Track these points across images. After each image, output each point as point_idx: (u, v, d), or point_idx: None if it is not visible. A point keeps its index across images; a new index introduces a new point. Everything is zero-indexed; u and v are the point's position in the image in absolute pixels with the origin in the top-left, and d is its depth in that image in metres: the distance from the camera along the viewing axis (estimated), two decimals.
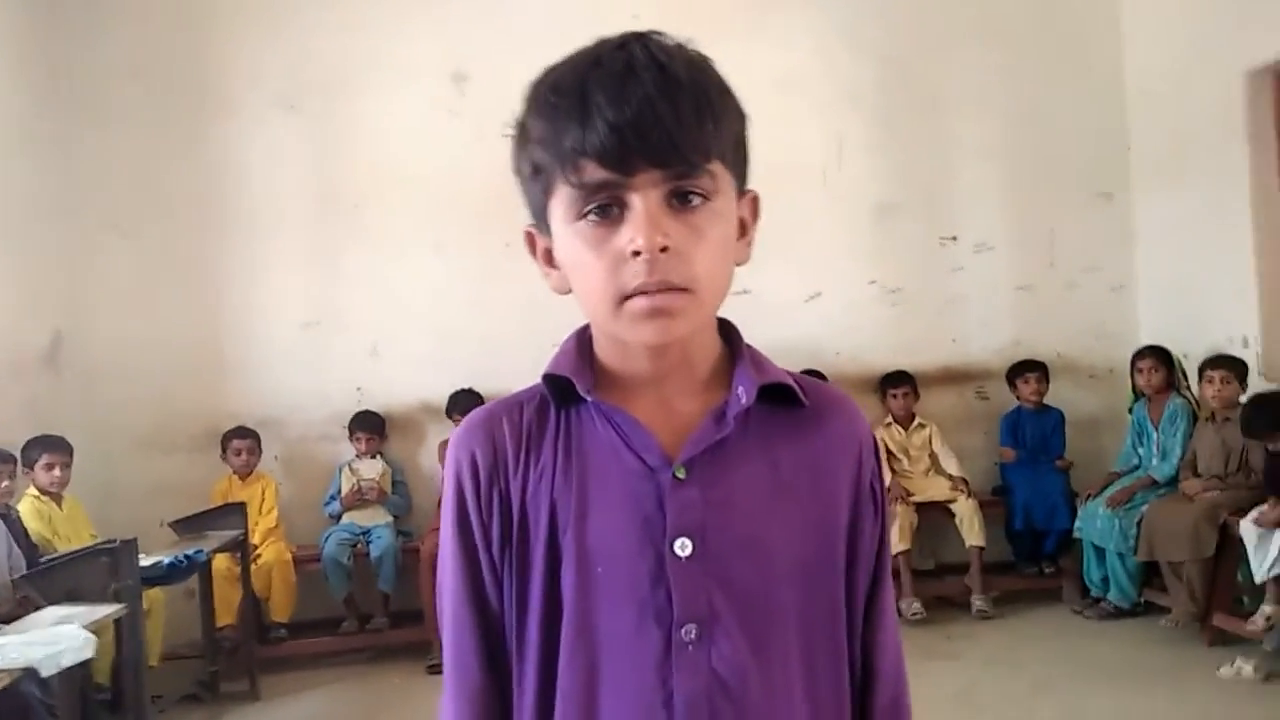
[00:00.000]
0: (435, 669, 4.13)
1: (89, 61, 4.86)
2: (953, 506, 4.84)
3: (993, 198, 5.35)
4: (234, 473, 4.73)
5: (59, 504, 4.09)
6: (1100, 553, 4.56)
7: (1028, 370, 5.09)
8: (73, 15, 4.84)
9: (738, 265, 0.86)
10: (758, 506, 0.84)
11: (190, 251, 4.95)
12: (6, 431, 4.04)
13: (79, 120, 4.83)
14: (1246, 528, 3.85)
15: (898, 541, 4.65)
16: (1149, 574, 4.43)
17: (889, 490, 4.83)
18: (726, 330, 0.90)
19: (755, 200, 0.88)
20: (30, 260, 4.54)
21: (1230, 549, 4.01)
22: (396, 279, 5.03)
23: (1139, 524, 4.31)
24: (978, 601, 4.68)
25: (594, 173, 0.77)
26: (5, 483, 3.74)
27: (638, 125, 0.75)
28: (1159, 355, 4.69)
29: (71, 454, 4.13)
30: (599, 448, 0.84)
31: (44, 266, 4.65)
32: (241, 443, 4.72)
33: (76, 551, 3.36)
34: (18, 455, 3.93)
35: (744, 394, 0.85)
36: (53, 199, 4.72)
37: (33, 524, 3.87)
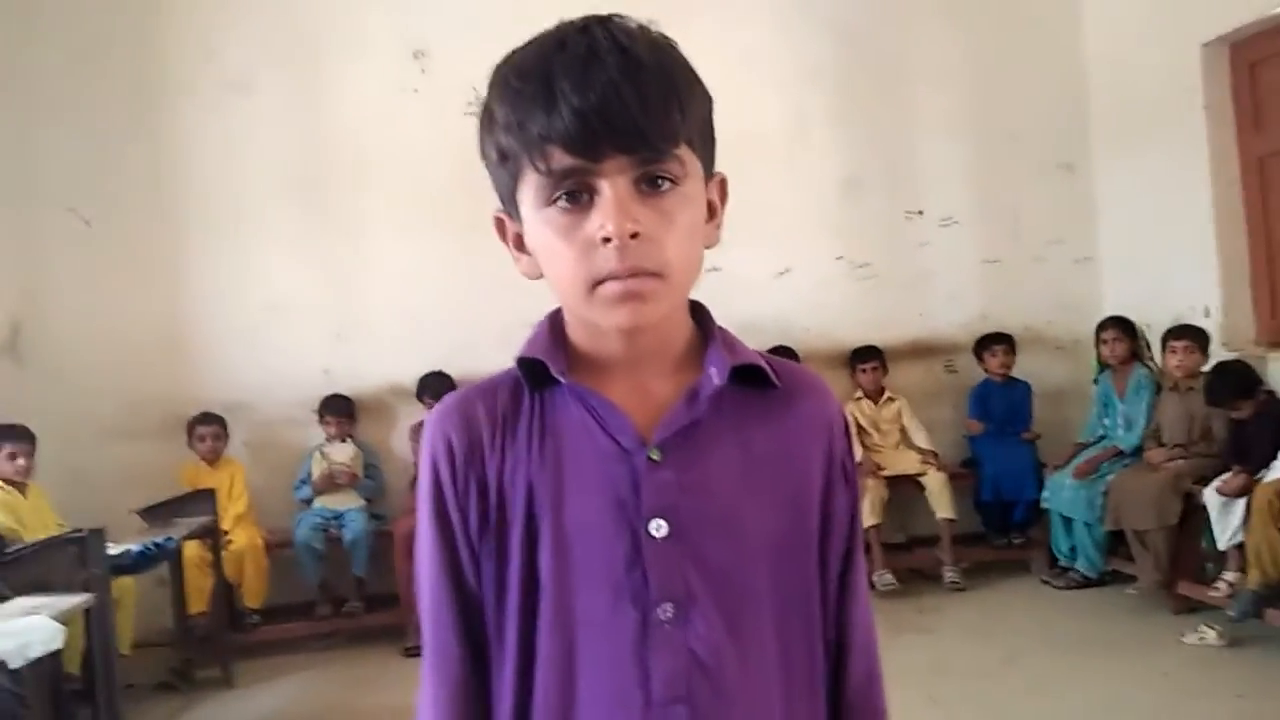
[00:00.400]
0: (412, 652, 4.13)
1: (38, 45, 4.74)
2: (923, 480, 4.89)
3: (957, 171, 5.38)
4: (201, 459, 4.68)
5: (23, 493, 4.03)
6: (1068, 523, 4.63)
7: (995, 343, 5.15)
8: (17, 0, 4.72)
9: (708, 247, 0.87)
10: (731, 486, 0.85)
11: (150, 236, 4.87)
12: None
13: (30, 106, 4.72)
14: (1210, 496, 3.93)
15: (869, 515, 4.70)
16: (1116, 543, 4.51)
17: (860, 465, 4.88)
18: (698, 312, 0.91)
19: (723, 182, 0.89)
20: None
21: (1194, 517, 4.09)
22: (361, 260, 4.98)
23: (1105, 494, 4.38)
24: (949, 573, 4.74)
25: (561, 159, 0.77)
26: None
27: (603, 111, 0.75)
28: (1122, 326, 4.76)
29: (34, 442, 4.08)
30: (574, 430, 0.85)
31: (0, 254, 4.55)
32: (207, 429, 4.67)
33: (44, 541, 3.31)
34: None
35: (716, 375, 0.85)
36: (5, 187, 4.62)
37: None
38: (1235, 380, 4.03)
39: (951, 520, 4.82)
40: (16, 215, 4.66)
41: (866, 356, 5.12)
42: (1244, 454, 3.90)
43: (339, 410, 4.82)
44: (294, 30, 4.93)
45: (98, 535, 3.15)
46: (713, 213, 0.87)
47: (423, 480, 0.89)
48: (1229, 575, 3.91)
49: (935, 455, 4.97)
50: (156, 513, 4.05)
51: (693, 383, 0.86)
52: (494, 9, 4.53)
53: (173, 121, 4.88)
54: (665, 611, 0.81)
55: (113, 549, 3.37)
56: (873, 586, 4.55)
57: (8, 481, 3.97)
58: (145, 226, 4.86)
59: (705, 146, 0.84)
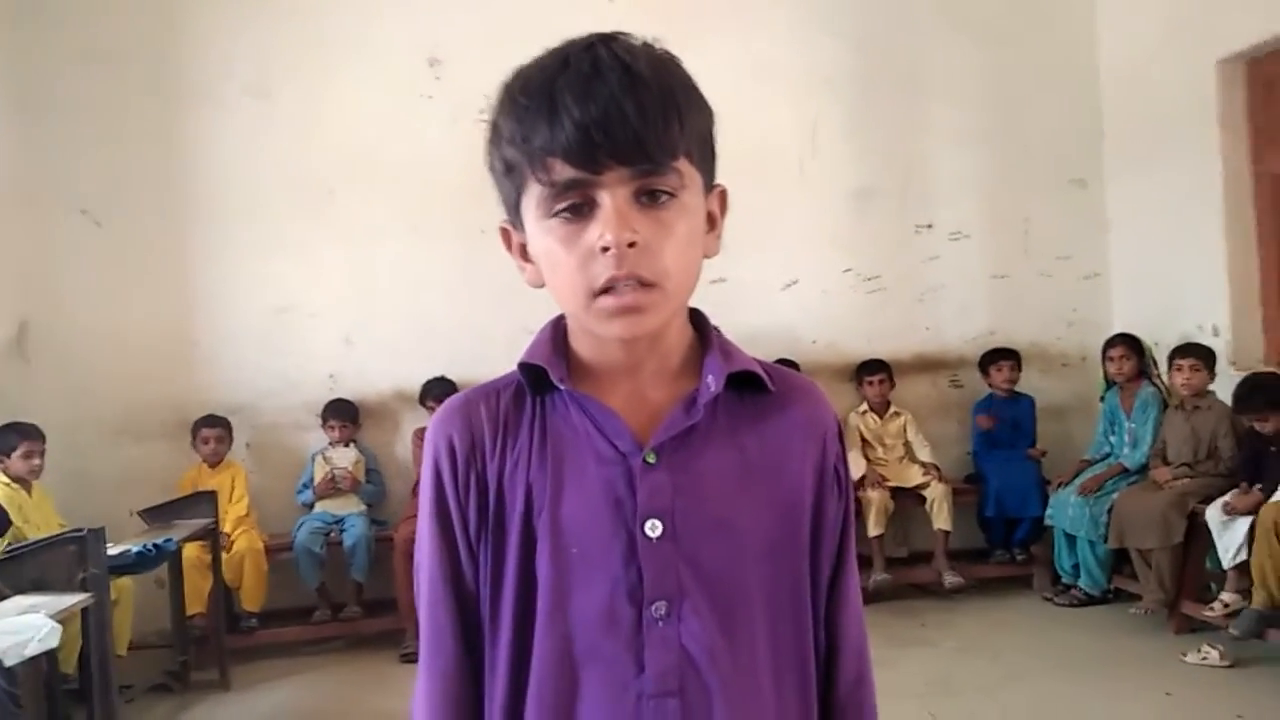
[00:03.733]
0: (409, 658, 4.11)
1: (57, 49, 4.76)
2: (924, 492, 4.87)
3: (968, 185, 5.37)
4: (204, 461, 4.67)
5: (28, 491, 4.03)
6: (1071, 540, 4.61)
7: (1000, 358, 5.13)
8: (40, 3, 4.74)
9: (707, 258, 0.89)
10: (725, 490, 0.87)
11: (161, 238, 4.87)
12: None
13: (46, 106, 4.74)
14: (1212, 515, 3.91)
15: (873, 526, 4.69)
16: (1119, 561, 4.49)
17: (864, 478, 4.86)
18: (698, 320, 0.93)
19: (724, 195, 0.91)
20: None
21: (1199, 537, 4.06)
22: (370, 266, 4.98)
23: (1109, 512, 4.35)
24: (949, 576, 4.72)
25: (563, 171, 0.79)
26: None
27: (604, 124, 0.77)
28: (1130, 343, 4.74)
29: (43, 440, 4.10)
30: (573, 434, 0.88)
31: (11, 254, 4.58)
32: (210, 431, 4.66)
33: (44, 540, 3.30)
34: None
35: (713, 382, 0.88)
36: (19, 186, 4.64)
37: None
38: (1270, 391, 3.98)
39: (947, 532, 4.80)
40: (28, 215, 4.67)
41: (873, 370, 5.10)
42: (1259, 471, 3.87)
43: (343, 415, 4.81)
44: (310, 36, 4.94)
45: (97, 535, 3.14)
46: (713, 223, 0.90)
47: (424, 479, 0.91)
48: (1226, 595, 3.89)
49: (937, 468, 4.95)
50: (157, 514, 4.04)
51: (690, 389, 0.88)
52: (508, 18, 4.54)
53: (187, 124, 4.89)
54: (659, 609, 0.84)
55: (112, 549, 3.37)
56: (866, 589, 4.54)
57: (15, 479, 3.97)
58: (156, 228, 4.87)
59: (705, 159, 0.86)
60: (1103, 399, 4.90)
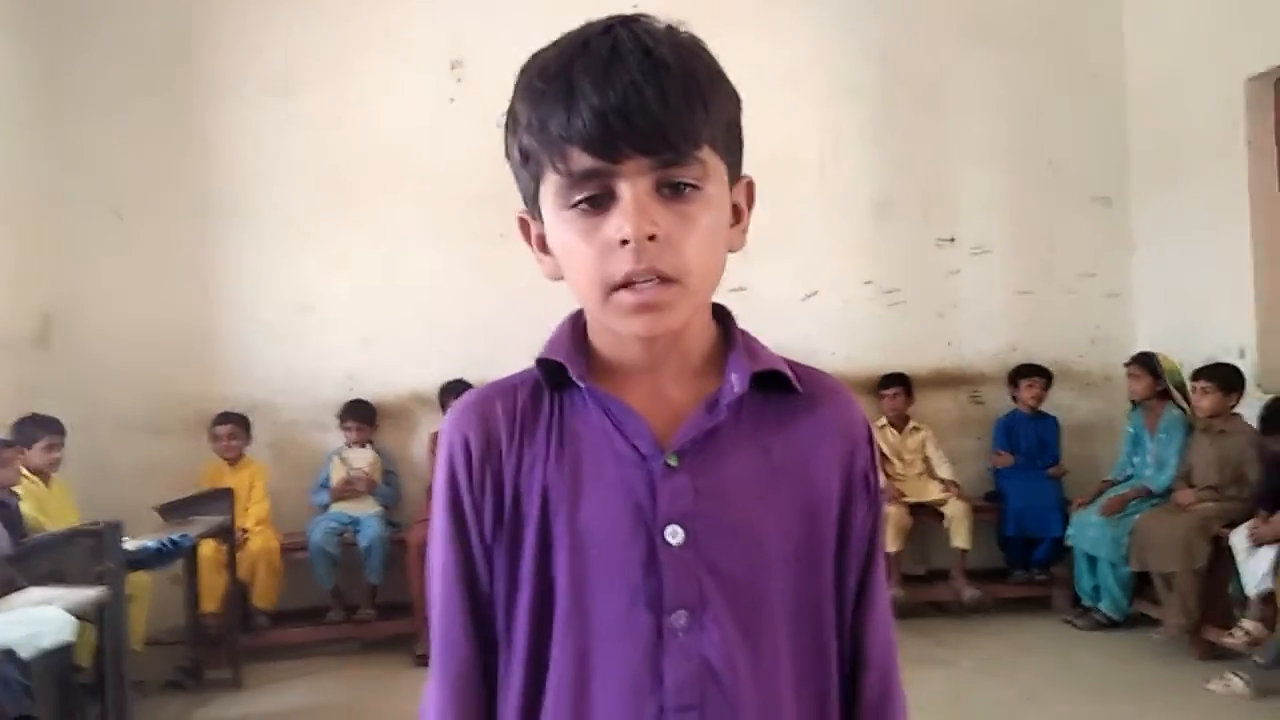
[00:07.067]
0: (423, 660, 4.10)
1: (83, 45, 4.82)
2: (943, 509, 4.83)
3: (991, 200, 5.32)
4: (222, 458, 4.69)
5: (47, 484, 4.06)
6: (1092, 561, 4.55)
7: (1030, 374, 5.08)
8: (67, 0, 4.79)
9: (733, 252, 0.86)
10: (748, 494, 0.84)
11: (183, 235, 4.92)
12: None
13: (72, 103, 4.79)
14: (1237, 541, 3.84)
15: (890, 541, 4.64)
16: (1141, 585, 4.42)
17: (883, 491, 4.81)
18: (722, 316, 0.90)
19: (750, 186, 0.88)
20: (21, 242, 4.51)
21: (1223, 561, 3.99)
22: (390, 267, 5.00)
23: (1131, 533, 4.29)
24: (967, 591, 4.67)
25: (580, 160, 0.76)
26: (3, 470, 3.68)
27: (623, 111, 0.74)
28: (1144, 362, 4.67)
29: (62, 433, 4.13)
30: (592, 433, 0.84)
31: (35, 248, 4.61)
32: (224, 428, 4.67)
33: (60, 533, 3.33)
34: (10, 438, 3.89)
35: (737, 381, 0.84)
36: (45, 182, 4.69)
37: (24, 504, 3.83)
38: None
39: (965, 550, 4.75)
40: (53, 210, 4.71)
41: (888, 383, 5.06)
42: (1278, 499, 3.81)
43: (360, 416, 4.82)
44: (334, 36, 4.97)
45: (114, 529, 3.15)
46: (738, 216, 0.86)
47: (439, 477, 0.88)
48: (1247, 624, 3.81)
49: (956, 485, 4.91)
50: (175, 510, 4.06)
51: (713, 388, 0.85)
52: (532, 21, 4.51)
53: (211, 121, 4.93)
54: (679, 618, 0.81)
55: (129, 544, 3.38)
56: None
57: (35, 472, 4.00)
58: (179, 224, 4.91)
59: (731, 149, 0.83)
60: (1129, 418, 4.84)
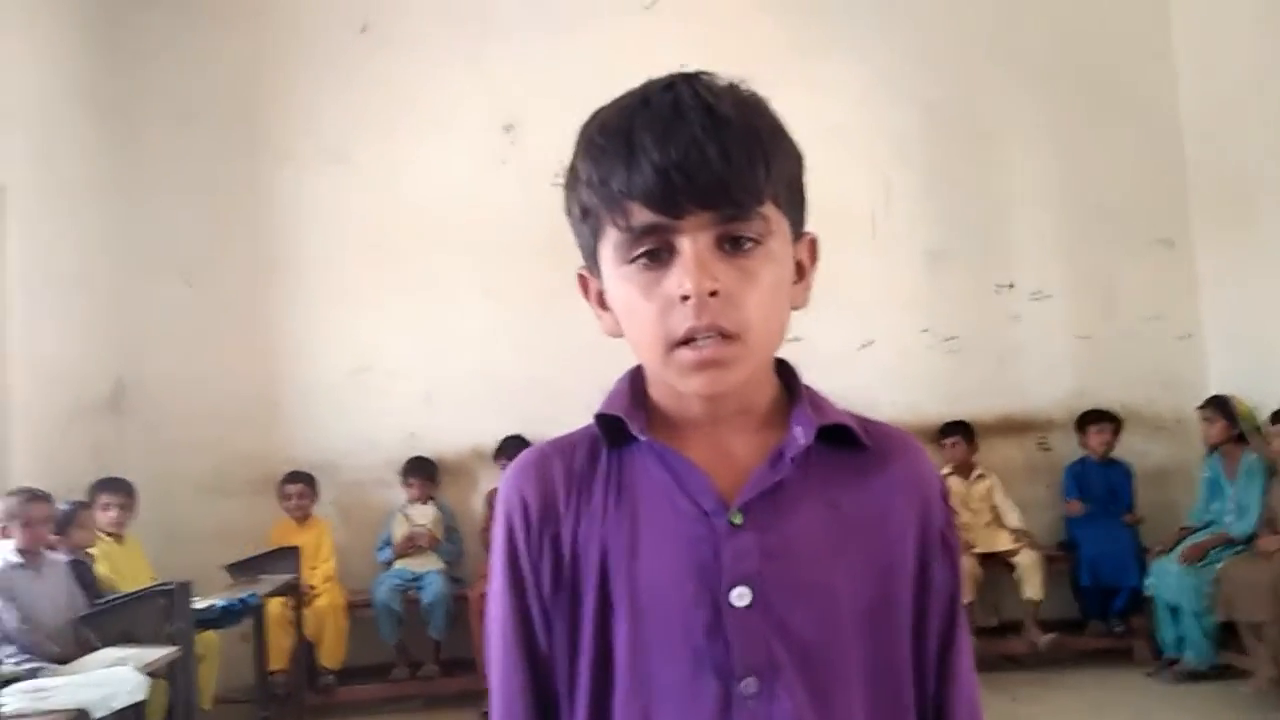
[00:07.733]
0: (488, 718, 4.07)
1: (150, 111, 5.04)
2: (1014, 559, 4.70)
3: (1049, 244, 5.26)
4: (290, 517, 4.76)
5: (120, 544, 4.16)
6: (1174, 611, 4.37)
7: (1099, 420, 4.96)
8: (134, 65, 5.03)
9: (796, 309, 0.85)
10: (818, 552, 0.81)
11: (247, 297, 5.07)
12: (71, 475, 4.12)
13: (140, 168, 4.99)
14: None
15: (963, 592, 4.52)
16: (1227, 635, 4.24)
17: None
18: (785, 371, 0.88)
19: (814, 243, 0.87)
20: (94, 306, 4.68)
21: None
22: (448, 325, 5.08)
23: (1215, 582, 4.13)
24: (1042, 638, 4.54)
25: (641, 215, 0.76)
26: (80, 532, 3.78)
27: (684, 167, 0.74)
28: (1218, 406, 4.53)
29: (132, 494, 4.23)
30: (652, 490, 0.82)
31: (107, 312, 4.78)
32: (293, 487, 4.77)
33: (133, 593, 3.39)
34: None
35: (802, 435, 0.82)
36: (117, 249, 4.87)
37: (99, 565, 3.92)
38: None
39: (1038, 602, 4.61)
40: (123, 274, 4.89)
41: (949, 431, 4.97)
42: None
43: (422, 472, 4.88)
44: (389, 101, 5.13)
45: (184, 588, 3.21)
46: (801, 273, 0.85)
47: (497, 537, 0.87)
48: None
49: (1028, 535, 4.77)
50: (243, 568, 4.12)
51: (778, 443, 0.82)
52: (583, 83, 4.62)
53: (271, 187, 5.11)
54: (749, 686, 0.78)
55: (199, 603, 3.44)
56: None
57: (105, 533, 4.10)
58: (243, 288, 5.06)
59: (793, 205, 0.82)
60: (1205, 463, 4.68)
